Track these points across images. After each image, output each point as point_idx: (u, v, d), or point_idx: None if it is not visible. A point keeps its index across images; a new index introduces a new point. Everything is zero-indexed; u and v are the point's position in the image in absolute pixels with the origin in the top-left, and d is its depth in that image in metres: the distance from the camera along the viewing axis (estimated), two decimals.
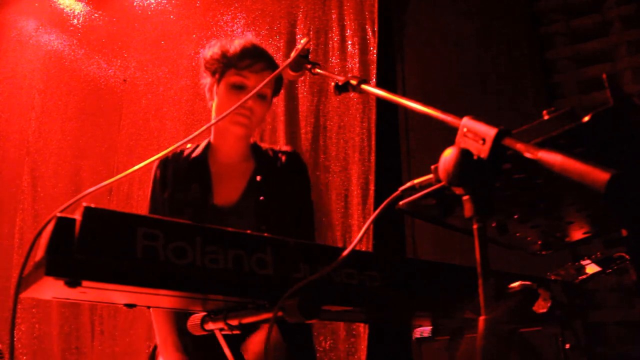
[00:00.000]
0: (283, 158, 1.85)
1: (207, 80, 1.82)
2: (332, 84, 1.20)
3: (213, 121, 1.81)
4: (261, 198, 1.70)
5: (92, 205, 0.77)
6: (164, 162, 1.78)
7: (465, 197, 0.73)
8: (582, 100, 2.88)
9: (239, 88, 1.71)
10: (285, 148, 1.91)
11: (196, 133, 1.15)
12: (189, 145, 1.85)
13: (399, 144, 3.16)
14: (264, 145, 1.90)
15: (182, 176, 1.75)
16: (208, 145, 1.83)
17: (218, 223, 1.62)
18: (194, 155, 1.79)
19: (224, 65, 1.73)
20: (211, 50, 1.78)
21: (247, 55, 1.72)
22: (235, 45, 1.74)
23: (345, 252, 0.94)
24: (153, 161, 1.06)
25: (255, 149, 1.85)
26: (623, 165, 0.80)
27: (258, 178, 1.76)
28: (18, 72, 4.81)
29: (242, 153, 1.82)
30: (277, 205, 1.73)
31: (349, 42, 3.38)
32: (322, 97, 3.38)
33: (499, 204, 0.93)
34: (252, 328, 1.03)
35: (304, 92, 3.38)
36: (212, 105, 1.83)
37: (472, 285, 0.74)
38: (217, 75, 1.76)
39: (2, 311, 4.10)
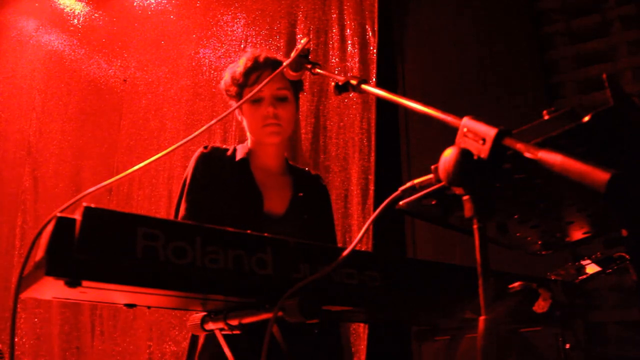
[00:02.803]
0: (314, 180, 1.93)
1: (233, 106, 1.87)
2: (332, 84, 1.21)
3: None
4: (305, 216, 1.76)
5: (92, 205, 0.77)
6: (208, 158, 1.75)
7: (465, 197, 0.73)
8: (582, 100, 2.88)
9: (257, 101, 1.74)
10: (312, 171, 2.01)
11: (196, 133, 1.15)
12: (224, 146, 1.84)
13: (399, 144, 3.16)
14: (292, 163, 1.96)
15: (229, 177, 1.74)
16: (249, 151, 1.83)
17: (270, 231, 1.65)
18: (238, 157, 1.79)
19: (239, 87, 1.79)
20: (223, 80, 1.85)
21: (252, 71, 1.76)
22: (240, 65, 1.79)
23: (345, 252, 0.94)
24: (153, 161, 1.05)
25: (289, 164, 1.91)
26: (623, 165, 0.80)
27: (300, 194, 1.80)
28: (18, 72, 4.81)
29: (280, 165, 1.85)
30: (318, 225, 1.82)
31: (349, 42, 3.38)
32: (322, 97, 3.38)
33: (499, 204, 0.93)
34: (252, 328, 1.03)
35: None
36: (245, 127, 1.85)
37: (472, 285, 0.74)
38: (236, 98, 1.81)
39: (3, 311, 4.10)
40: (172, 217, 1.76)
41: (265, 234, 0.94)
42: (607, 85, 0.71)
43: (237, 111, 1.85)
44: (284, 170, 1.86)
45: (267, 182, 1.78)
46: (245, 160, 1.79)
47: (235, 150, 1.82)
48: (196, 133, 1.15)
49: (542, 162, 0.63)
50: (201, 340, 1.59)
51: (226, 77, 1.83)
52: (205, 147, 1.79)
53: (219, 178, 1.72)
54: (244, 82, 1.77)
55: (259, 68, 1.76)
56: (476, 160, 0.72)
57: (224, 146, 1.84)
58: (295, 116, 1.86)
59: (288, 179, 1.85)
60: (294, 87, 1.82)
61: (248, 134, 1.84)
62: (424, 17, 3.33)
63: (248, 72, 1.76)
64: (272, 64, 1.76)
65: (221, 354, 1.22)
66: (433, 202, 0.93)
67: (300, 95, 1.98)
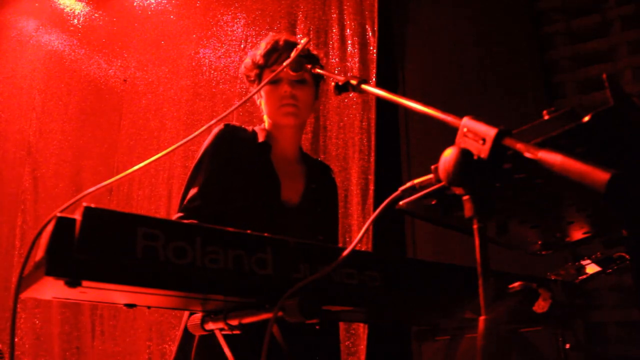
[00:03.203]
0: (326, 173, 1.95)
1: (253, 90, 1.90)
2: (332, 84, 1.20)
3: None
4: (319, 209, 1.78)
5: (92, 205, 0.77)
6: (230, 134, 1.74)
7: (465, 197, 0.73)
8: (582, 100, 2.88)
9: (276, 82, 1.75)
10: (324, 161, 2.04)
11: (196, 133, 1.15)
12: (243, 126, 1.84)
13: (399, 144, 3.16)
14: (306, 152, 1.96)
15: (249, 157, 1.73)
16: (268, 134, 1.82)
17: (285, 220, 1.68)
18: (260, 139, 1.78)
19: (259, 69, 1.82)
20: (243, 64, 1.88)
21: (272, 52, 1.79)
22: (261, 47, 1.83)
23: (346, 252, 0.94)
24: (153, 161, 1.05)
25: (303, 152, 1.91)
26: (623, 165, 0.80)
27: (313, 186, 1.81)
28: (18, 72, 4.81)
29: (296, 152, 1.86)
30: (329, 218, 1.86)
31: (349, 42, 3.38)
32: (322, 97, 3.38)
33: (499, 204, 0.93)
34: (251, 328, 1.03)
35: (324, 81, 3.37)
36: (263, 109, 1.86)
37: (472, 285, 0.75)
38: (256, 82, 1.84)
39: (3, 311, 4.10)
40: (172, 216, 1.75)
41: (266, 234, 0.94)
42: (607, 85, 0.71)
43: (257, 97, 1.87)
44: (299, 159, 1.86)
45: (283, 169, 1.78)
46: (267, 144, 1.78)
47: (254, 131, 1.81)
48: (196, 133, 1.15)
49: (542, 162, 0.63)
50: (196, 340, 1.58)
51: (247, 60, 1.86)
52: (226, 125, 1.78)
53: (239, 155, 1.72)
54: (264, 63, 1.79)
55: (278, 49, 1.78)
56: (476, 160, 0.72)
57: (243, 126, 1.83)
58: (314, 101, 1.87)
59: (302, 168, 1.85)
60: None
61: (265, 117, 1.84)
62: (424, 17, 3.33)
63: (268, 53, 1.79)
64: (291, 47, 1.77)
65: (218, 354, 1.22)
66: (433, 202, 0.93)
67: None
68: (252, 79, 1.84)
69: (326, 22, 3.52)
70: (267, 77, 1.78)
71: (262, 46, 1.82)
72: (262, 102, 1.83)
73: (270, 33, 1.94)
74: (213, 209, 1.61)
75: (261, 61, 1.79)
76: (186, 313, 1.66)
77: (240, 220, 1.60)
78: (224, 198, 1.65)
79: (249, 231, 0.92)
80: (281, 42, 1.80)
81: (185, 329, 1.64)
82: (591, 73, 2.91)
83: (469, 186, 0.73)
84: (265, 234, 0.93)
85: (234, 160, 1.70)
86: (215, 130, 1.76)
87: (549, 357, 1.72)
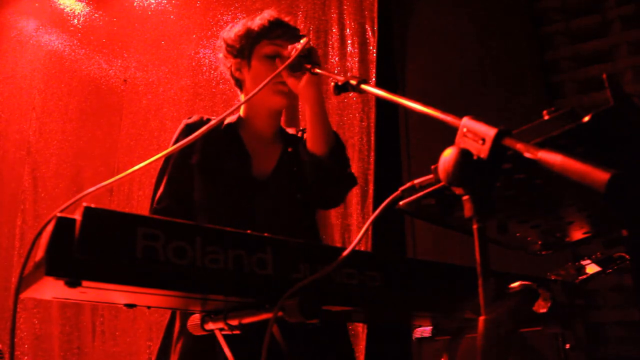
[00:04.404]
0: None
1: (229, 62, 1.78)
2: (332, 84, 1.20)
3: (213, 122, 1.79)
4: (295, 169, 1.69)
5: (92, 205, 0.77)
6: (190, 128, 1.69)
7: (465, 197, 0.73)
8: (582, 100, 2.88)
9: (273, 61, 1.67)
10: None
11: (196, 134, 1.15)
12: (212, 117, 1.79)
13: (399, 144, 3.16)
14: (290, 130, 1.88)
15: (214, 144, 1.68)
16: (239, 118, 1.78)
17: (254, 194, 1.63)
18: (225, 124, 1.73)
19: (253, 39, 1.71)
20: (233, 30, 1.76)
21: (278, 26, 1.71)
22: (263, 17, 1.72)
23: (346, 252, 0.94)
24: (153, 161, 1.05)
25: (282, 131, 1.84)
26: (623, 165, 0.80)
27: (289, 149, 1.74)
28: (18, 72, 4.81)
29: (273, 131, 1.79)
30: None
31: (349, 42, 3.38)
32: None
33: (499, 204, 0.93)
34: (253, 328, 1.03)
35: None
36: (241, 84, 1.78)
37: (472, 285, 0.75)
38: (245, 52, 1.73)
39: (3, 311, 4.10)
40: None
41: (266, 234, 0.94)
42: (607, 85, 0.71)
43: (234, 69, 1.76)
44: (276, 137, 1.80)
45: (257, 147, 1.73)
46: (233, 125, 1.73)
47: (222, 120, 1.76)
48: (196, 133, 1.15)
49: (542, 162, 0.63)
50: (175, 336, 1.56)
51: (238, 27, 1.74)
52: (190, 117, 1.74)
53: (205, 145, 1.66)
54: (264, 34, 1.69)
55: (284, 26, 1.71)
56: (476, 160, 0.72)
57: (212, 117, 1.78)
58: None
59: (279, 145, 1.78)
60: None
61: (242, 98, 1.78)
62: (424, 17, 3.33)
63: (274, 26, 1.70)
64: (294, 28, 1.72)
65: (195, 351, 1.20)
66: (433, 202, 0.93)
67: None
68: (236, 48, 1.72)
69: (326, 22, 3.52)
70: (265, 49, 1.68)
71: (263, 18, 1.71)
72: (247, 81, 1.74)
73: (266, 10, 1.82)
74: (184, 208, 1.60)
75: (264, 32, 1.68)
76: (168, 313, 1.66)
77: (213, 203, 1.60)
78: (191, 192, 1.63)
79: (238, 231, 0.92)
80: (285, 19, 1.73)
81: (167, 330, 1.63)
82: (591, 73, 2.91)
83: (468, 186, 0.73)
84: (265, 234, 0.93)
85: (200, 150, 1.66)
86: (180, 126, 1.72)
87: (549, 357, 1.72)
